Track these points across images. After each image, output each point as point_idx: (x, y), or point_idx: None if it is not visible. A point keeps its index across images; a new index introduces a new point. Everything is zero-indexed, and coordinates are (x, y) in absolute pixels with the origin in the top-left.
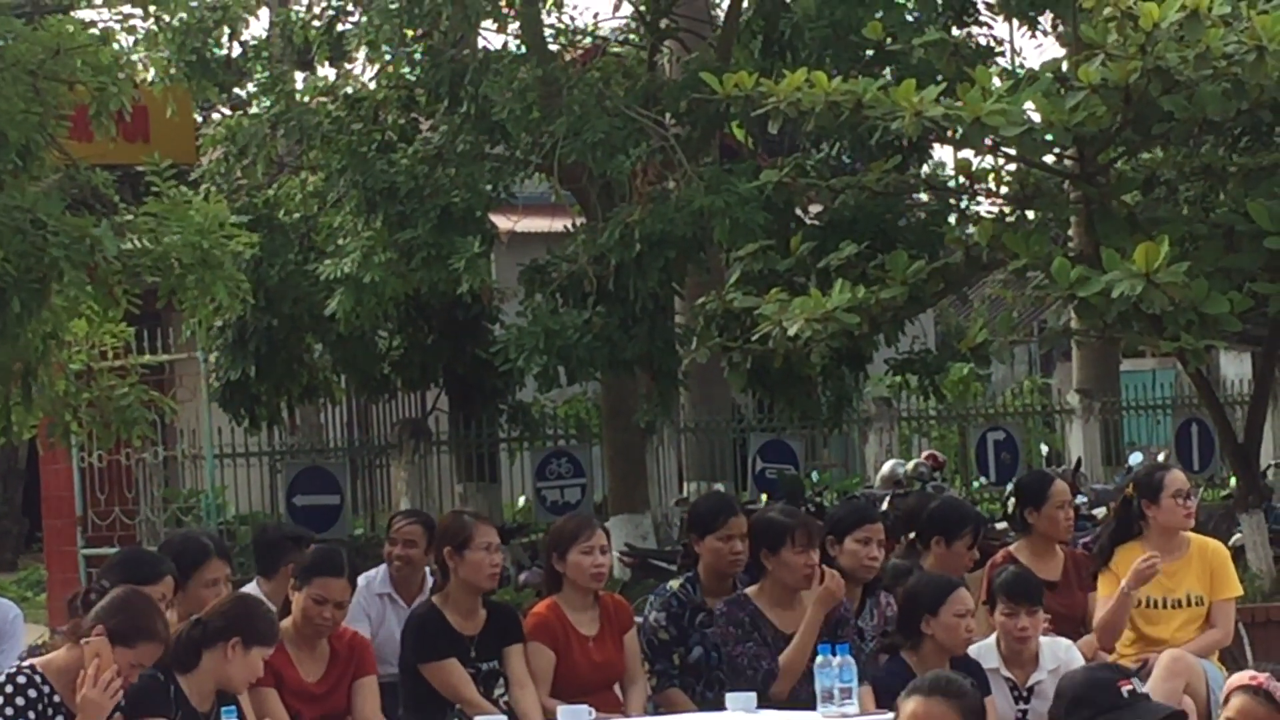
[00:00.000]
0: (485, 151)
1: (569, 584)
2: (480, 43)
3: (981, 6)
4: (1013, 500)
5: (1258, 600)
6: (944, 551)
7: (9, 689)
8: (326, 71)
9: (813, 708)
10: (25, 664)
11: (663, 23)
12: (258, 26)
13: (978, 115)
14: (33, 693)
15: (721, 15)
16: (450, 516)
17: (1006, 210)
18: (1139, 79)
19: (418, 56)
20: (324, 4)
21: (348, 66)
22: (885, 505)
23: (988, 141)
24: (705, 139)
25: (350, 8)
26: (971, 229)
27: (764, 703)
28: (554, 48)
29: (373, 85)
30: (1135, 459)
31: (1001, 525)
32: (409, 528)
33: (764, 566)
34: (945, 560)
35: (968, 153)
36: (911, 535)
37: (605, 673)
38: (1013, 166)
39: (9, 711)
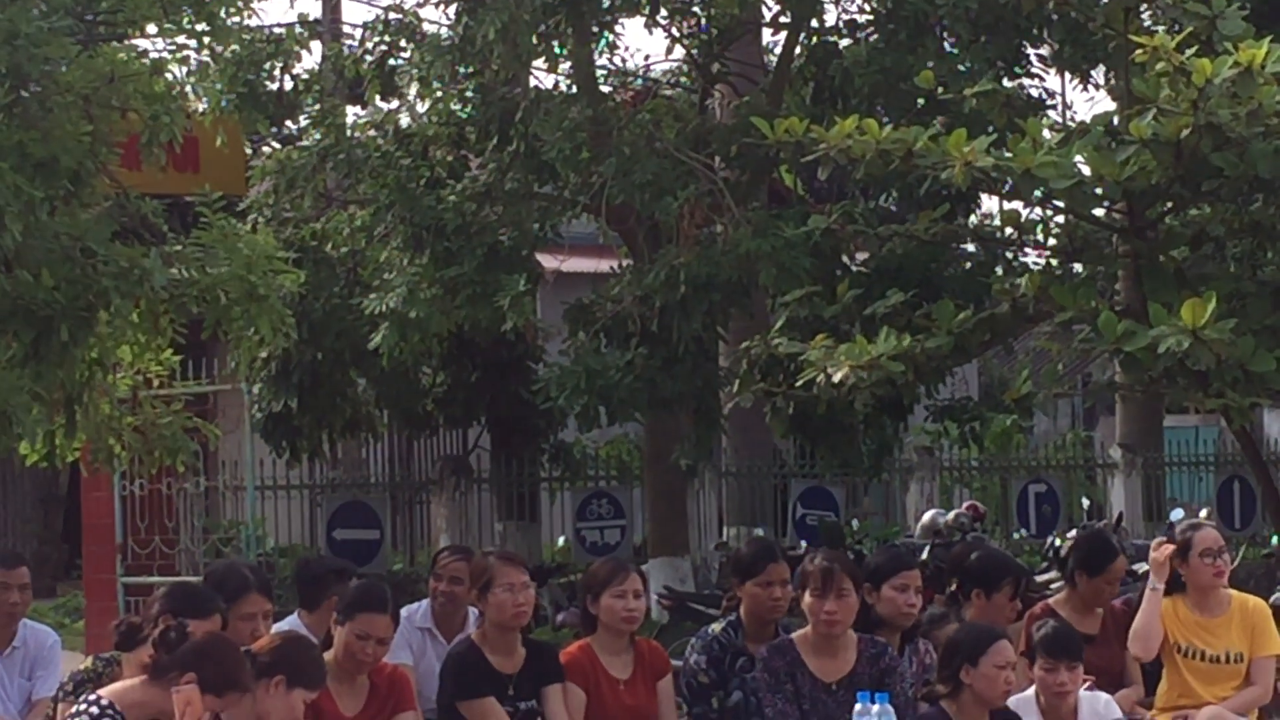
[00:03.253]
0: (533, 190)
1: (603, 627)
2: (531, 82)
3: (1034, 58)
4: (1066, 550)
5: None
6: (985, 604)
7: None
8: (377, 106)
9: None
10: (99, 698)
11: (714, 67)
12: (309, 60)
13: (1028, 167)
14: None
15: (773, 61)
16: (478, 557)
17: (1054, 263)
18: (1190, 135)
19: (469, 94)
20: (376, 39)
21: (398, 102)
22: (925, 555)
23: (1037, 193)
24: (754, 183)
25: (402, 44)
26: (1019, 280)
27: None
28: (605, 89)
29: (423, 121)
30: (1176, 515)
31: (1042, 577)
32: (455, 564)
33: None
34: (986, 612)
35: (1016, 204)
36: (953, 587)
37: (636, 716)
38: (1061, 219)
39: None
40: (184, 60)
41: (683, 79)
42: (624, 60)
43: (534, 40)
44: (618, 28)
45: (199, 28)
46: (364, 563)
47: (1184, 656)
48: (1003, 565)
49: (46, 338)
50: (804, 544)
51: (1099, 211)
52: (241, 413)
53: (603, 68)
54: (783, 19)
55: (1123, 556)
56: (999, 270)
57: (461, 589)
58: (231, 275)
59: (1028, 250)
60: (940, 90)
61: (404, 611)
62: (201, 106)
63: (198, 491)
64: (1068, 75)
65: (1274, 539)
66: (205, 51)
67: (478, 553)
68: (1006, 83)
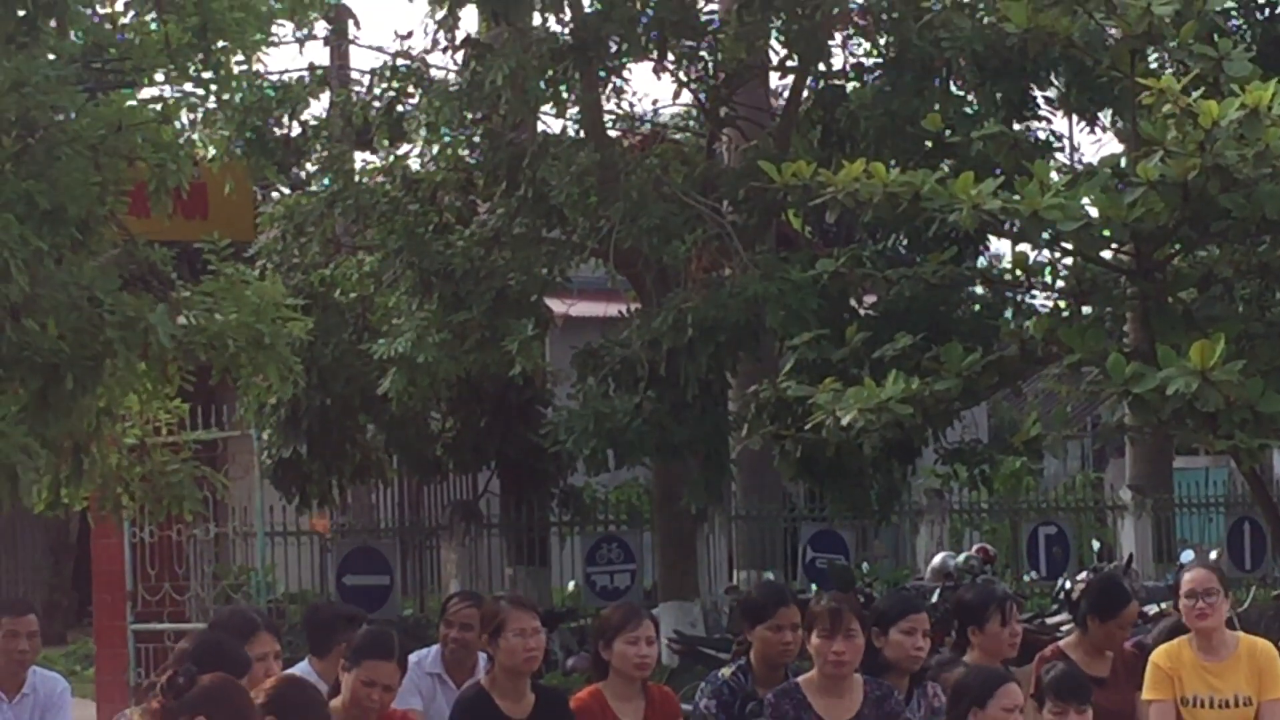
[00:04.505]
0: (541, 235)
1: (615, 672)
2: (539, 127)
3: (1041, 101)
4: (1078, 593)
5: None
6: (981, 637)
7: None
8: (386, 152)
9: None
10: None
11: (722, 111)
12: (317, 106)
13: (1035, 209)
14: None
15: (780, 105)
16: (489, 602)
17: (1062, 305)
18: (1198, 176)
19: (477, 139)
20: (384, 85)
21: (407, 147)
22: (935, 598)
23: (1045, 236)
24: (762, 227)
25: (410, 90)
26: (1027, 323)
27: None
28: (613, 133)
29: (431, 166)
30: (1187, 556)
31: (1053, 620)
32: (466, 610)
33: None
34: (985, 646)
35: (1024, 246)
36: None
37: None
38: (1069, 261)
39: None
40: (192, 107)
41: (690, 123)
42: (631, 105)
43: (542, 85)
44: (625, 72)
45: (206, 75)
46: (374, 608)
47: (1190, 707)
48: (986, 595)
49: (54, 387)
50: (814, 587)
51: (1107, 253)
52: (251, 459)
53: (610, 112)
54: (790, 63)
55: (1135, 602)
56: (1007, 313)
57: (472, 635)
58: (239, 323)
59: (1036, 292)
60: (947, 133)
61: (413, 657)
62: (210, 153)
63: (208, 538)
64: (1075, 118)
65: None
66: (213, 99)
67: (488, 598)
68: (1014, 125)
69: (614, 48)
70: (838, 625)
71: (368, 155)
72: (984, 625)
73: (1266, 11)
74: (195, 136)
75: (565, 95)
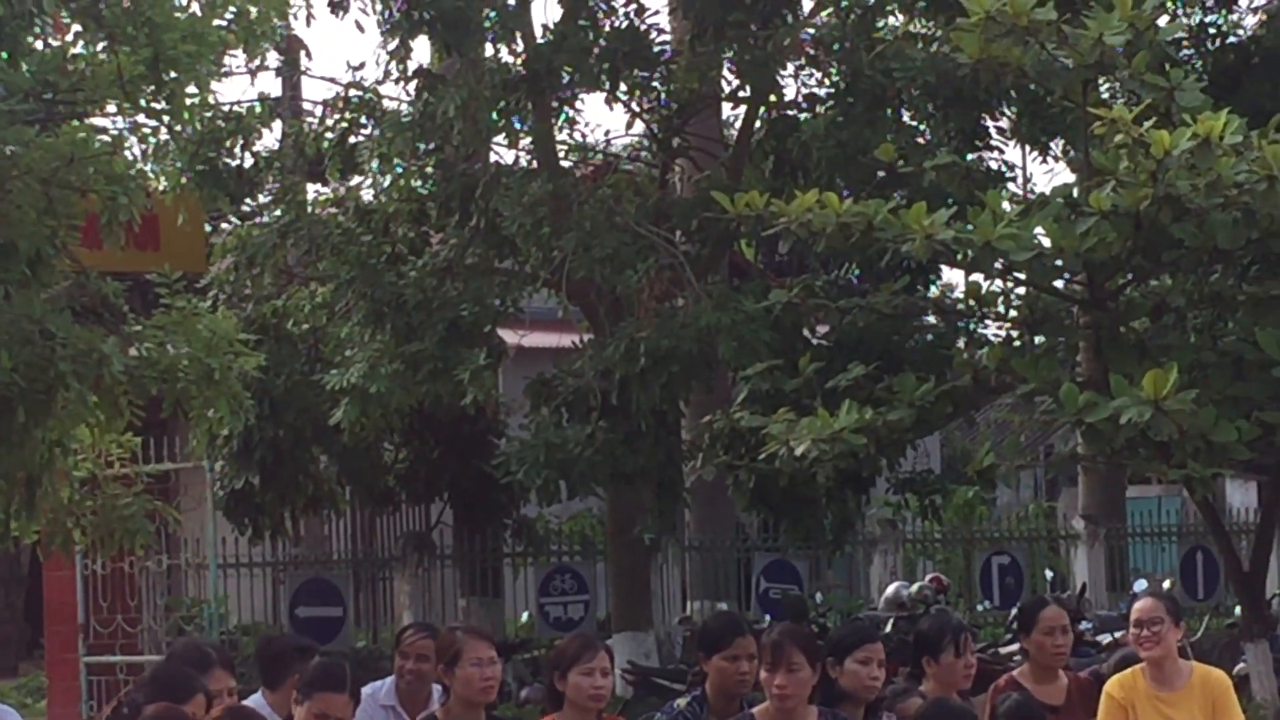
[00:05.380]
0: (494, 265)
1: (569, 704)
2: (492, 157)
3: (993, 131)
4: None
5: None
6: (936, 668)
7: None
8: (338, 183)
9: None
10: None
11: (674, 141)
12: (270, 137)
13: (988, 239)
14: None
15: (733, 135)
16: (445, 633)
17: (1015, 334)
18: (1150, 206)
19: (429, 170)
20: (336, 116)
21: (359, 178)
22: (889, 627)
23: (998, 265)
24: (714, 257)
25: (363, 120)
26: (980, 352)
27: None
28: (565, 164)
29: (384, 198)
30: (1140, 586)
31: (1007, 649)
32: (422, 641)
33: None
34: (940, 676)
35: (977, 276)
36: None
37: None
38: (1022, 291)
39: None
40: (144, 139)
41: (643, 153)
42: (584, 135)
43: (494, 116)
44: (578, 103)
45: (158, 106)
46: (327, 640)
47: None
48: (940, 626)
49: (5, 419)
50: (768, 618)
51: (1059, 283)
52: (203, 490)
53: (563, 143)
54: (742, 93)
55: (1054, 606)
56: (960, 342)
57: (428, 666)
58: (191, 357)
59: (989, 322)
60: (900, 163)
61: (367, 689)
62: (162, 184)
63: (160, 570)
64: (1027, 147)
65: (1238, 609)
66: (165, 129)
67: (443, 629)
68: (966, 155)
69: (566, 78)
70: (779, 659)
71: (320, 186)
72: (939, 656)
73: (1217, 41)
74: (147, 168)
75: (518, 126)
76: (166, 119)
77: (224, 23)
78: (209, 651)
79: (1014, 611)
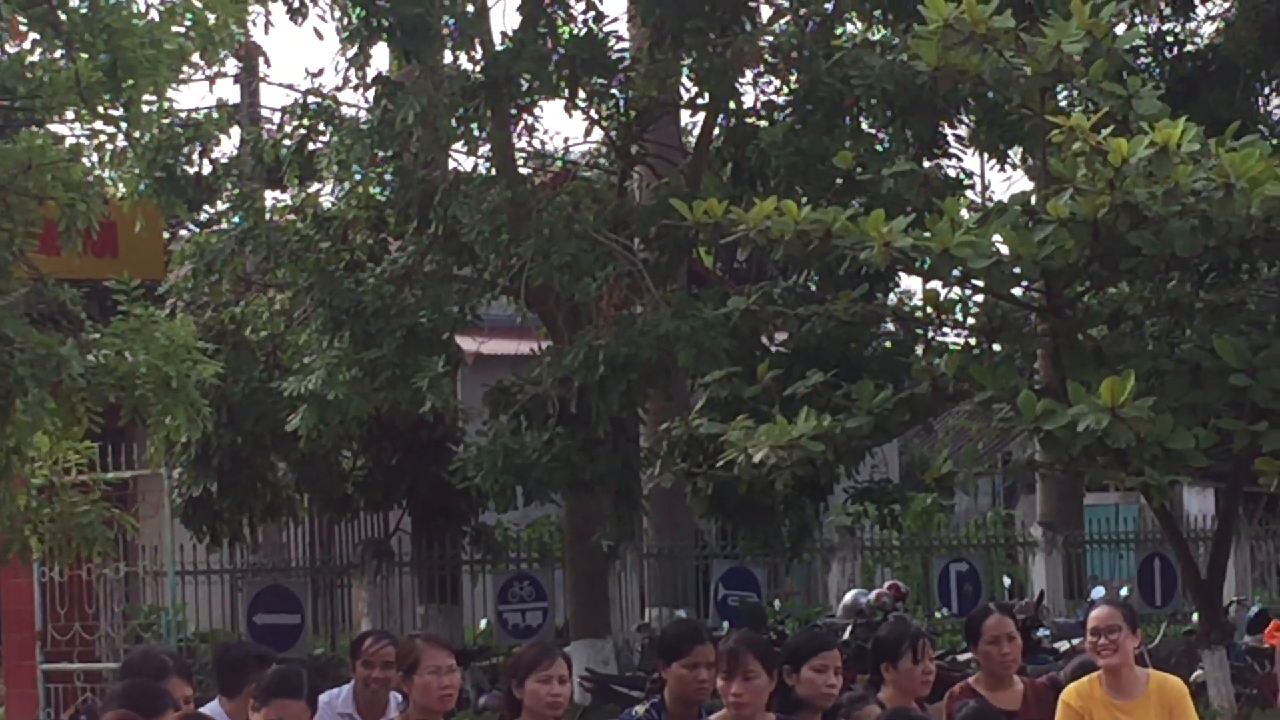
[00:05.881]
0: (453, 273)
1: (527, 711)
2: (450, 164)
3: (951, 139)
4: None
5: None
6: (895, 674)
7: None
8: (296, 190)
9: None
10: None
11: (633, 149)
12: (228, 144)
13: (946, 247)
14: None
15: (691, 142)
16: (405, 640)
17: (973, 342)
18: (1107, 214)
19: (388, 177)
20: (295, 123)
21: (317, 185)
22: (847, 635)
23: (956, 273)
24: (673, 265)
25: (321, 127)
26: (938, 360)
27: None
28: (524, 171)
29: (342, 205)
30: (1098, 593)
31: (964, 656)
32: (385, 650)
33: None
34: (899, 683)
35: (936, 283)
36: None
37: None
38: (980, 298)
39: None
40: (102, 145)
41: (601, 161)
42: (543, 142)
43: (453, 123)
44: (536, 110)
45: (116, 113)
46: (285, 647)
47: None
48: (899, 633)
49: None
50: (726, 625)
51: (1017, 291)
52: (161, 498)
53: (522, 150)
54: (700, 101)
55: (997, 614)
56: (918, 350)
57: (393, 673)
58: (149, 365)
59: (947, 329)
60: (858, 171)
61: (324, 697)
62: (120, 191)
63: (118, 577)
64: (985, 155)
65: (1195, 616)
66: (123, 136)
67: (402, 637)
68: (924, 163)
69: (525, 85)
70: (735, 667)
71: (278, 193)
72: (897, 662)
73: (1175, 50)
74: (105, 174)
75: (476, 133)
76: (124, 126)
77: (182, 30)
78: (166, 659)
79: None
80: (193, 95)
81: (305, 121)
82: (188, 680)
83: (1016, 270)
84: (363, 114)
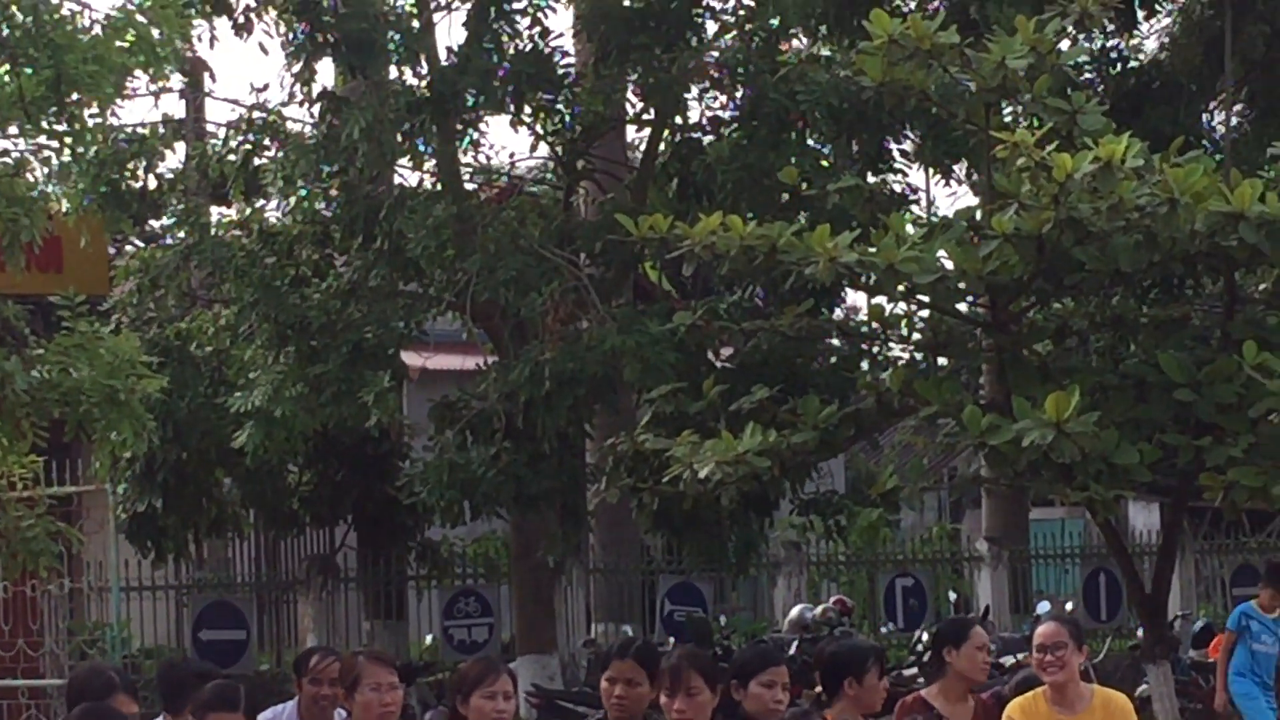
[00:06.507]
0: (398, 288)
1: None
2: (396, 180)
3: (896, 154)
4: (926, 640)
5: None
6: (859, 690)
7: None
8: (242, 205)
9: None
10: None
11: (579, 164)
12: (173, 159)
13: (891, 262)
14: None
15: (637, 157)
16: (347, 657)
17: (919, 357)
18: (1052, 229)
19: (333, 192)
20: (240, 138)
21: (263, 201)
22: (793, 650)
23: (901, 288)
24: (619, 280)
25: (266, 142)
26: (883, 375)
27: None
28: (470, 186)
29: (287, 220)
30: (1043, 608)
31: (909, 671)
32: (333, 666)
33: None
34: (860, 698)
35: (881, 299)
36: (818, 689)
37: None
38: (925, 313)
39: None
40: (46, 160)
41: (547, 176)
42: (488, 158)
43: (398, 138)
44: (482, 125)
45: (61, 128)
46: (230, 663)
47: None
48: (864, 648)
49: None
50: (672, 640)
51: (962, 306)
52: (106, 513)
53: (467, 165)
54: (646, 116)
55: (980, 627)
56: (864, 365)
57: (340, 689)
58: (94, 380)
59: (892, 345)
60: (804, 186)
61: (269, 714)
62: (64, 206)
63: (62, 593)
64: (930, 170)
65: (1140, 631)
66: (67, 151)
67: (345, 653)
68: (869, 178)
69: (470, 101)
70: (678, 683)
71: (224, 208)
72: (863, 677)
73: (1119, 66)
74: (50, 189)
75: (422, 148)
76: (69, 140)
77: (126, 45)
78: (113, 676)
79: (918, 634)
80: (138, 110)
81: (250, 137)
82: (134, 697)
83: (961, 285)
84: (308, 129)
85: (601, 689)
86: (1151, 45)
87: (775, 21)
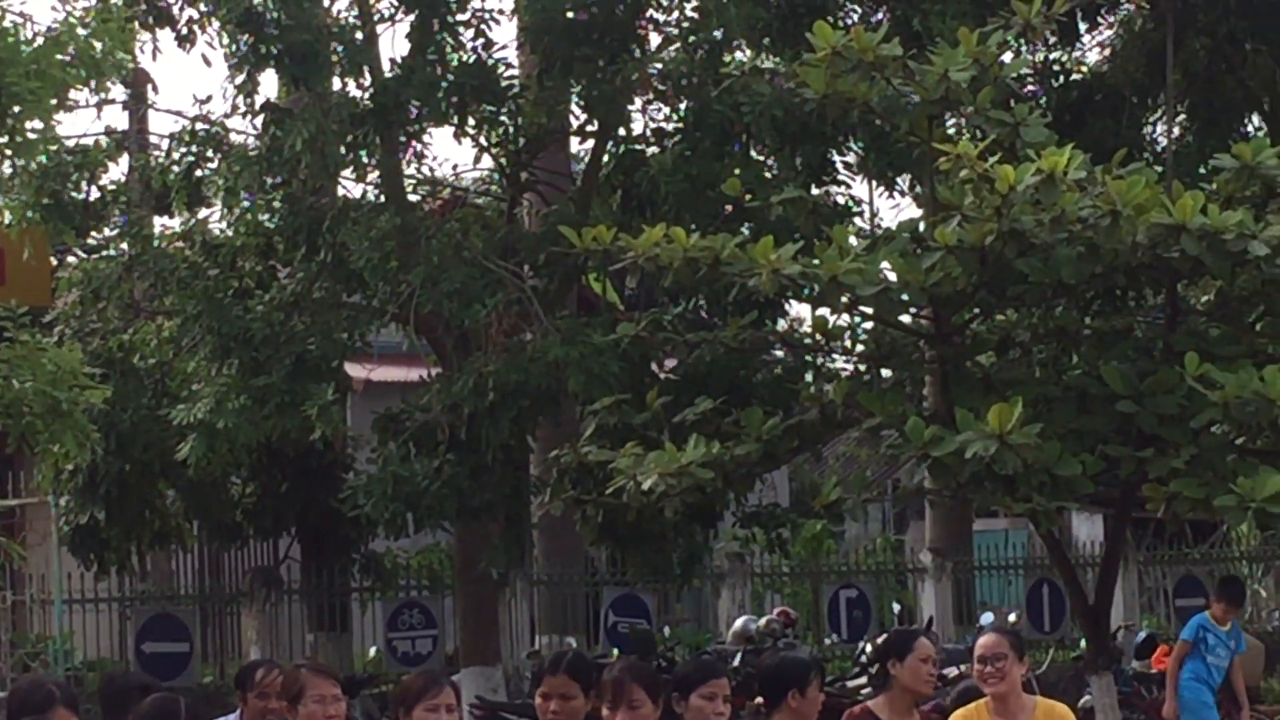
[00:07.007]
0: (342, 300)
1: None
2: (339, 191)
3: (840, 166)
4: (869, 652)
5: None
6: (801, 702)
7: None
8: (185, 217)
9: None
10: None
11: (523, 175)
12: (116, 171)
13: (834, 274)
14: None
15: (581, 169)
16: (289, 670)
17: (862, 369)
18: (995, 241)
19: (276, 204)
20: (183, 150)
21: (206, 212)
22: (737, 661)
23: (844, 300)
24: (562, 291)
25: (209, 154)
26: (827, 387)
27: None
28: (413, 198)
29: (231, 231)
30: (987, 619)
31: (854, 683)
32: (279, 679)
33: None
34: (804, 710)
35: (824, 310)
36: (759, 700)
37: None
38: (869, 325)
39: None
40: None
41: (491, 187)
42: (432, 169)
43: (342, 150)
44: (426, 137)
45: (2, 140)
46: (173, 676)
47: None
48: (805, 661)
49: None
50: (616, 652)
51: (906, 318)
52: (49, 525)
53: (411, 177)
54: (590, 127)
55: (925, 639)
56: (808, 377)
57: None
58: (36, 391)
59: (836, 356)
60: (747, 198)
61: None
62: (7, 218)
63: (4, 606)
64: (873, 182)
65: (1083, 642)
66: (9, 164)
67: (288, 665)
68: (813, 190)
69: (414, 112)
70: (620, 696)
71: (167, 220)
72: (805, 689)
73: (1062, 78)
74: None
75: (365, 160)
76: (10, 153)
77: (68, 57)
78: (52, 689)
79: (862, 645)
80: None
81: (193, 148)
82: (74, 711)
83: (904, 297)
84: (251, 141)
85: (537, 706)
86: (1094, 57)
87: (719, 33)
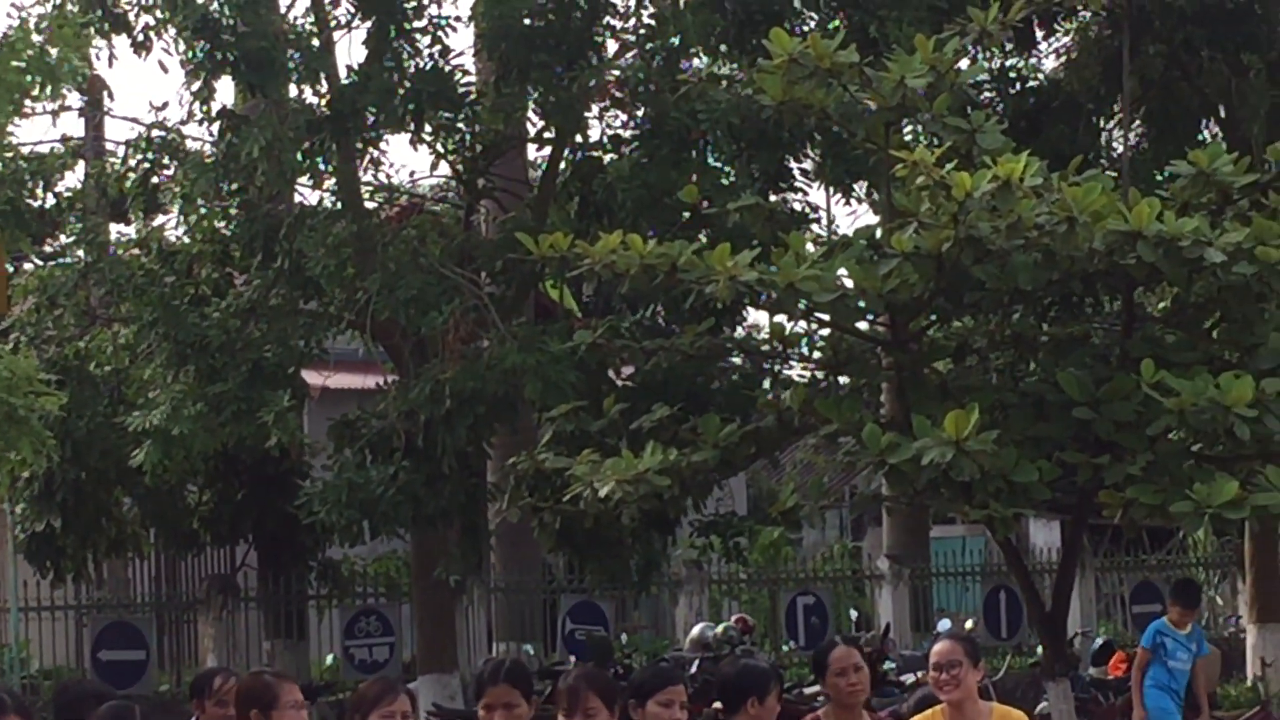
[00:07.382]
0: (298, 307)
1: None
2: (296, 198)
3: (797, 173)
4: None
5: None
6: (760, 710)
7: None
8: (141, 224)
9: None
10: None
11: (480, 182)
12: (72, 178)
13: (791, 281)
14: None
15: (538, 176)
16: (251, 677)
17: (819, 375)
18: (951, 248)
19: (233, 211)
20: (139, 157)
21: (162, 219)
22: (695, 669)
23: (801, 307)
24: (519, 298)
25: (166, 161)
26: (784, 393)
27: None
28: (370, 204)
29: (187, 238)
30: (944, 625)
31: (811, 690)
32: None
33: None
34: (759, 718)
35: (781, 317)
36: (717, 705)
37: None
38: (826, 332)
39: None
40: None
41: (448, 194)
42: (389, 176)
43: (298, 157)
44: (382, 144)
45: None
46: (130, 684)
47: None
48: (765, 669)
49: None
50: (573, 659)
51: (863, 324)
52: (4, 533)
53: (367, 184)
54: (547, 135)
55: (842, 646)
56: (765, 384)
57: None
58: None
59: (793, 363)
60: (704, 204)
61: None
62: None
63: None
64: (830, 189)
65: (1040, 648)
66: None
67: (244, 673)
68: (770, 197)
69: (371, 119)
70: (576, 704)
71: (123, 227)
72: (764, 698)
73: (1018, 85)
74: None
75: (322, 167)
76: None
77: (23, 64)
78: (5, 698)
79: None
80: (37, 129)
81: (149, 155)
82: (26, 719)
83: (861, 304)
84: (207, 148)
85: (480, 718)
86: (1050, 65)
87: (676, 40)
